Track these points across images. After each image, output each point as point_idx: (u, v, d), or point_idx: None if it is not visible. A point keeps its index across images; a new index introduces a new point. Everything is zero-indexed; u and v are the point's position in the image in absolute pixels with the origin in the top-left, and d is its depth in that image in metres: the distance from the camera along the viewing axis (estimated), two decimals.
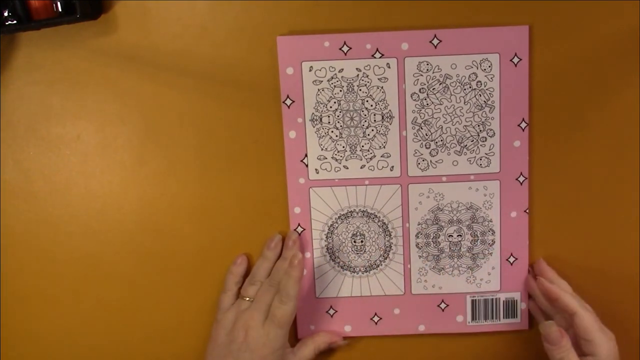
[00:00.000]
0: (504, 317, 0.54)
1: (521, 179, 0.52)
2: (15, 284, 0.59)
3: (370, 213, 0.53)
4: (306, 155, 0.53)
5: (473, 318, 0.54)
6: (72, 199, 0.57)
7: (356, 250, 0.54)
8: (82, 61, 0.55)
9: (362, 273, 0.54)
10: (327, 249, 0.54)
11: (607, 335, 0.48)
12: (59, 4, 0.52)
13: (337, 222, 0.54)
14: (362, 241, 0.54)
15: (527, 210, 0.53)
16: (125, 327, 0.59)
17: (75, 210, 0.57)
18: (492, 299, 0.54)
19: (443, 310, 0.55)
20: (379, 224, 0.53)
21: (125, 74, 0.54)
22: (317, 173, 0.53)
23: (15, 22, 0.51)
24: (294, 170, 0.53)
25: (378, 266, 0.54)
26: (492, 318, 0.54)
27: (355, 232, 0.54)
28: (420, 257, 0.53)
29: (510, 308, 0.54)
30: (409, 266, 0.54)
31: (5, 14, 0.52)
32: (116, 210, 0.57)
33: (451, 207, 0.53)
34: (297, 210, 0.54)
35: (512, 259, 0.53)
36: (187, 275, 0.57)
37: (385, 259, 0.54)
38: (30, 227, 0.58)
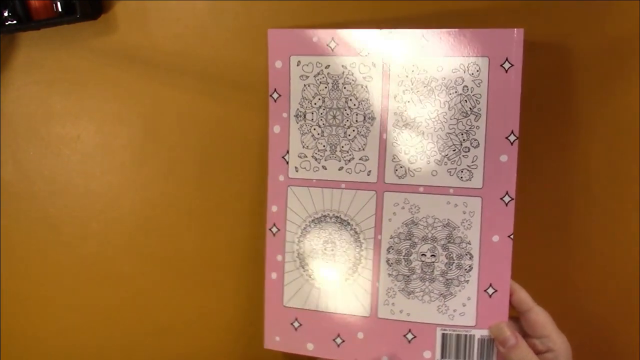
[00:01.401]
0: (478, 359, 0.71)
1: (507, 198, 0.69)
2: (15, 284, 0.77)
3: (344, 220, 0.75)
4: (288, 152, 0.74)
5: (443, 356, 0.70)
6: (72, 199, 0.76)
7: (326, 259, 0.76)
8: (82, 61, 0.73)
9: (329, 286, 0.75)
10: (298, 253, 0.76)
11: (561, 333, 0.63)
12: (59, 4, 0.68)
13: (310, 226, 0.76)
14: (332, 249, 0.75)
15: (512, 236, 0.67)
16: (125, 326, 0.77)
17: (75, 210, 0.76)
18: (466, 336, 0.70)
19: (410, 342, 0.72)
20: (351, 232, 0.75)
21: (125, 74, 0.72)
22: (297, 171, 0.75)
23: (15, 22, 0.68)
24: (275, 166, 0.75)
25: (346, 280, 0.74)
26: (464, 358, 0.71)
27: (327, 239, 0.75)
28: (389, 275, 0.73)
29: (485, 349, 0.68)
30: (377, 284, 0.73)
31: (5, 14, 0.67)
32: (116, 210, 0.77)
33: (426, 222, 0.71)
34: (275, 208, 0.77)
35: (490, 291, 0.70)
36: (187, 275, 0.77)
37: (354, 272, 0.74)
38: (30, 227, 0.75)
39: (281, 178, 0.74)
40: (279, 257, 0.74)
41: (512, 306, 0.68)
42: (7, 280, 0.77)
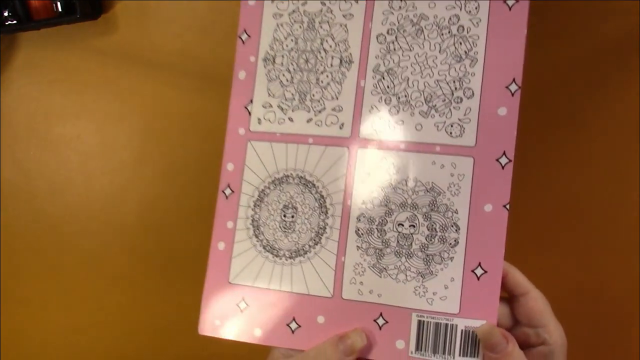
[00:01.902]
0: (460, 355, 0.57)
1: (503, 160, 0.58)
2: (15, 284, 0.77)
3: (309, 181, 0.63)
4: (251, 101, 0.64)
5: (418, 348, 0.59)
6: (72, 199, 0.77)
7: (284, 227, 0.64)
8: (82, 61, 0.75)
9: (286, 259, 0.63)
10: (252, 220, 0.65)
11: (559, 324, 0.55)
12: (59, 4, 0.70)
13: (269, 188, 0.64)
14: (292, 216, 0.64)
15: (508, 206, 0.56)
16: (125, 326, 0.77)
17: (75, 210, 0.77)
18: (447, 325, 0.58)
19: (380, 328, 0.60)
20: (316, 196, 0.63)
21: (125, 74, 0.72)
22: (259, 124, 0.65)
23: (15, 22, 0.69)
24: (236, 117, 0.65)
25: (306, 253, 0.63)
26: (444, 352, 0.58)
27: (287, 204, 0.64)
28: (359, 248, 0.61)
29: (469, 342, 0.56)
30: (342, 259, 0.61)
31: (5, 14, 0.69)
32: (116, 210, 0.77)
33: (406, 185, 0.60)
34: (230, 167, 0.65)
35: (479, 271, 0.58)
36: (187, 274, 0.72)
37: (317, 244, 0.62)
38: (30, 227, 0.77)
39: (241, 131, 0.64)
40: (230, 224, 0.63)
41: (504, 288, 0.57)
42: (7, 280, 0.78)
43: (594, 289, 0.69)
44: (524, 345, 0.57)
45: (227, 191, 0.63)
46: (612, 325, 0.68)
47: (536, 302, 0.57)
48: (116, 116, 0.75)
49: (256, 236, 0.62)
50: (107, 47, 0.73)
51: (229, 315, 0.62)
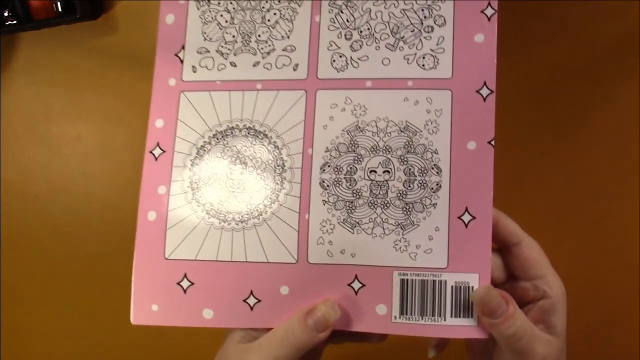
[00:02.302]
0: (452, 315, 0.50)
1: (485, 91, 0.51)
2: (15, 284, 0.76)
3: (259, 131, 0.54)
4: (183, 48, 0.56)
5: (403, 311, 0.50)
6: (72, 199, 0.76)
7: (232, 187, 0.53)
8: (82, 61, 0.74)
9: (237, 224, 0.53)
10: (191, 182, 0.54)
11: (556, 274, 0.50)
12: (59, 4, 0.69)
13: (210, 144, 0.54)
14: (241, 173, 0.54)
15: (493, 142, 0.50)
16: (124, 326, 0.64)
17: (75, 210, 0.76)
18: (434, 282, 0.50)
19: (357, 293, 0.51)
20: (269, 147, 0.54)
21: (125, 74, 0.70)
22: (195, 72, 0.55)
23: (15, 22, 0.69)
24: (164, 67, 0.55)
25: (261, 214, 0.53)
26: (433, 314, 0.49)
27: (233, 160, 0.54)
28: (325, 202, 0.52)
29: (461, 300, 0.49)
30: (306, 217, 0.52)
31: (5, 14, 0.68)
32: (116, 210, 0.75)
33: (377, 126, 0.52)
34: (160, 123, 0.55)
35: (467, 217, 0.50)
36: None
37: (273, 202, 0.53)
38: (30, 227, 0.76)
39: (171, 82, 0.55)
40: (162, 189, 0.53)
41: (493, 238, 0.50)
42: (7, 280, 0.77)
43: (594, 289, 0.68)
44: (522, 302, 0.50)
45: (157, 151, 0.54)
46: (612, 325, 0.68)
47: (531, 250, 0.50)
48: (116, 116, 0.75)
49: (197, 200, 0.52)
50: (107, 47, 0.73)
51: (169, 298, 0.51)
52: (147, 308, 0.51)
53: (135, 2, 0.72)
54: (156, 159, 0.53)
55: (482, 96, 0.50)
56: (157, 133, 0.54)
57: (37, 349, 0.77)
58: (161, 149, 0.53)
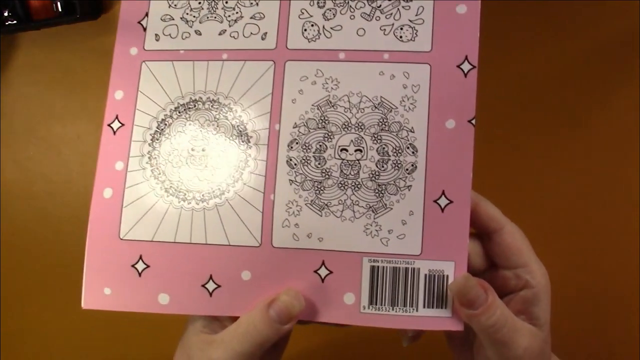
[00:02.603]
0: (425, 306, 0.46)
1: (466, 66, 0.47)
2: (15, 284, 0.76)
3: (224, 104, 0.50)
4: (146, 15, 0.52)
5: (372, 301, 0.46)
6: (72, 199, 0.75)
7: (193, 164, 0.50)
8: (82, 61, 0.73)
9: (197, 203, 0.49)
10: (150, 158, 0.50)
11: (540, 262, 0.46)
12: (59, 4, 0.69)
13: (172, 117, 0.50)
14: (203, 149, 0.50)
15: (474, 121, 0.46)
16: (124, 326, 0.73)
17: (75, 210, 0.75)
18: (407, 270, 0.46)
19: (323, 281, 0.47)
20: (233, 122, 0.49)
21: None
22: (157, 41, 0.51)
23: (15, 22, 0.69)
24: (126, 36, 0.51)
25: (223, 193, 0.49)
26: (405, 304, 0.46)
27: (196, 134, 0.50)
28: (292, 182, 0.48)
29: (435, 290, 0.45)
30: (271, 197, 0.48)
31: (5, 14, 0.68)
32: None
33: (349, 101, 0.48)
34: (119, 95, 0.50)
35: (443, 201, 0.46)
36: None
37: (236, 181, 0.49)
38: (30, 227, 0.75)
39: (133, 51, 0.51)
40: (119, 165, 0.49)
41: (473, 224, 0.47)
42: (7, 280, 0.77)
43: (594, 289, 0.68)
44: (503, 292, 0.47)
45: (115, 125, 0.50)
46: (612, 325, 0.67)
47: (513, 237, 0.47)
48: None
49: (155, 177, 0.48)
50: (107, 47, 0.66)
51: (122, 281, 0.48)
52: (99, 291, 0.48)
53: None
54: (114, 132, 0.49)
55: (463, 71, 0.46)
56: (116, 105, 0.50)
57: (37, 349, 0.77)
58: (120, 122, 0.49)
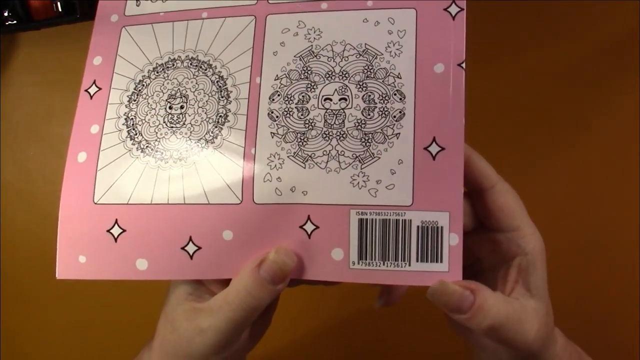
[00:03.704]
0: (418, 259, 0.41)
1: (454, 9, 0.43)
2: (15, 284, 0.75)
3: (203, 61, 0.46)
4: None
5: (361, 256, 0.42)
6: None
7: (171, 122, 0.46)
8: (82, 61, 0.68)
9: (175, 162, 0.45)
10: (126, 119, 0.47)
11: (534, 227, 0.43)
12: (59, 4, 0.68)
13: (149, 78, 0.46)
14: (182, 107, 0.46)
15: (464, 65, 0.43)
16: (125, 326, 0.72)
17: None
18: (397, 222, 0.41)
19: (310, 237, 0.43)
20: (212, 78, 0.46)
21: None
22: (138, 6, 0.48)
23: (15, 22, 0.68)
24: (107, 5, 0.49)
25: (202, 150, 0.45)
26: (396, 258, 0.41)
27: (174, 92, 0.46)
28: (274, 135, 0.44)
29: (429, 241, 0.40)
30: (252, 151, 0.44)
31: (5, 14, 0.67)
32: None
33: (332, 50, 0.45)
34: (98, 61, 0.47)
35: (434, 149, 0.42)
36: None
37: (216, 137, 0.45)
38: (30, 227, 0.74)
39: (113, 18, 0.49)
40: (95, 129, 0.46)
41: (465, 181, 0.43)
42: (7, 280, 0.76)
43: (594, 289, 0.68)
44: (495, 259, 0.44)
45: (92, 89, 0.47)
46: (612, 325, 0.68)
47: (505, 197, 0.43)
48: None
49: (132, 138, 0.45)
50: None
51: (98, 248, 0.44)
52: (73, 260, 0.44)
53: None
54: (91, 97, 0.47)
55: (451, 14, 0.43)
56: (94, 70, 0.48)
57: (37, 349, 0.76)
58: (97, 87, 0.47)
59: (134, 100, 0.45)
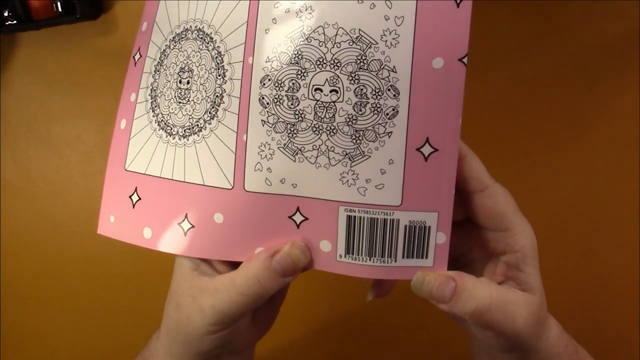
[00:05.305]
0: (404, 256, 0.40)
1: None
2: (15, 284, 0.75)
3: (206, 33, 0.42)
4: None
5: (349, 250, 0.42)
6: (72, 199, 0.74)
7: (179, 97, 0.44)
8: (82, 61, 0.71)
9: (180, 139, 0.45)
10: (151, 90, 0.45)
11: (526, 223, 0.41)
12: (59, 4, 0.67)
13: (169, 47, 0.44)
14: (188, 82, 0.44)
15: (465, 60, 0.39)
16: (125, 326, 0.73)
17: (75, 210, 0.74)
18: (385, 221, 0.40)
19: (298, 227, 0.44)
20: (212, 53, 0.43)
21: (125, 74, 0.63)
22: None
23: (15, 22, 0.67)
24: None
25: (201, 130, 0.44)
26: (383, 254, 0.41)
27: (184, 66, 0.43)
28: (264, 123, 0.42)
29: (416, 240, 0.39)
30: (244, 138, 0.43)
31: (5, 14, 0.67)
32: None
33: (324, 35, 0.40)
34: (144, 27, 0.47)
35: (427, 150, 0.39)
36: None
37: (212, 118, 0.43)
38: (30, 227, 0.74)
39: None
40: (133, 97, 0.47)
41: (458, 179, 0.41)
42: (7, 280, 0.76)
43: (594, 288, 0.68)
44: (486, 252, 0.43)
45: (137, 56, 0.47)
46: (612, 325, 0.68)
47: (495, 201, 0.41)
48: (116, 116, 0.70)
49: (152, 110, 0.45)
50: (107, 47, 0.70)
51: (122, 211, 0.46)
52: (107, 219, 0.47)
53: (135, 2, 0.68)
54: (135, 64, 0.47)
55: (456, 1, 0.37)
56: (140, 37, 0.48)
57: (37, 349, 0.77)
58: (140, 54, 0.47)
59: (158, 71, 0.45)
